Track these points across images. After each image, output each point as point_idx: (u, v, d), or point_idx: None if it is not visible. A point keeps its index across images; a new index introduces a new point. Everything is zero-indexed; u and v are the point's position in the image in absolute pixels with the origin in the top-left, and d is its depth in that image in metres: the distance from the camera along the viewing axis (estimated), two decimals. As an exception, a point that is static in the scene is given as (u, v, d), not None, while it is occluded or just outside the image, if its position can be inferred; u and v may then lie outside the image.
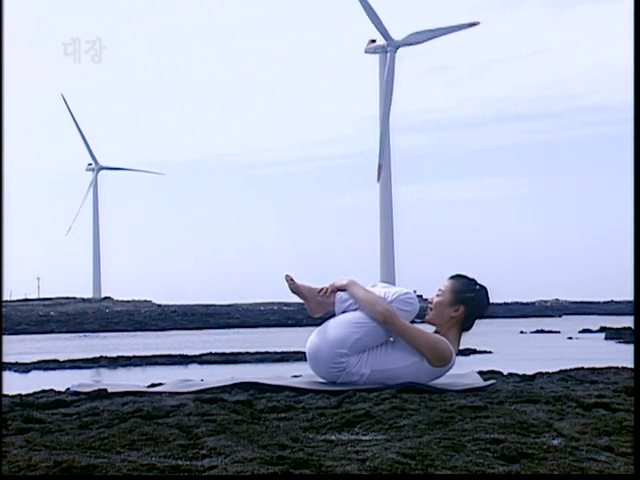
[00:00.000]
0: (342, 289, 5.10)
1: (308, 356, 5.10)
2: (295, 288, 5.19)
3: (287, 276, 5.20)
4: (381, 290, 5.06)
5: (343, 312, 5.06)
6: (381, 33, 51.17)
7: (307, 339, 5.14)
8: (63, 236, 75.68)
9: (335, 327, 5.00)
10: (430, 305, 5.12)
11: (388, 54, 51.28)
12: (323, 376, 5.07)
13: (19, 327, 24.52)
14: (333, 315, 5.12)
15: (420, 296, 5.27)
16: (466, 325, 5.11)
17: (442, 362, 4.95)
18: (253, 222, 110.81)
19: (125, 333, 22.35)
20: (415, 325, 5.00)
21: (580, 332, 17.74)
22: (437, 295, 5.14)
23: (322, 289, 5.14)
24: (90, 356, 10.67)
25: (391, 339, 5.02)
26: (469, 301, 5.08)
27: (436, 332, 5.08)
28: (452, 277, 5.19)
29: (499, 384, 5.19)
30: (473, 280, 5.19)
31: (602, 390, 4.70)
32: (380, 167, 51.22)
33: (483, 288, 5.18)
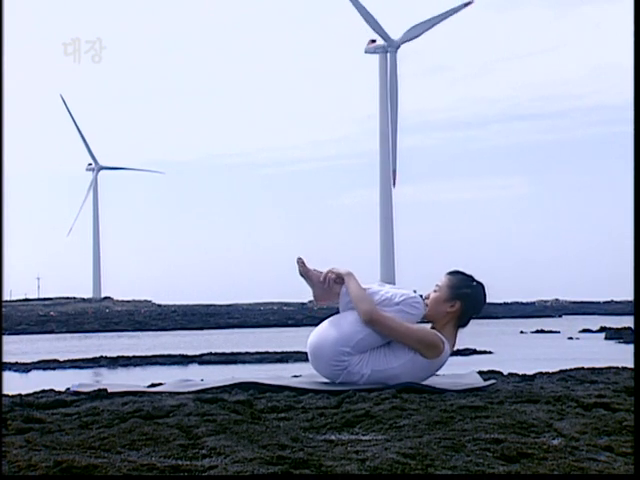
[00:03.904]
0: (340, 278, 5.10)
1: (310, 352, 5.09)
2: (304, 272, 5.18)
3: (299, 259, 5.19)
4: (389, 291, 5.05)
5: (346, 306, 5.05)
6: (379, 34, 51.07)
7: (307, 339, 5.14)
8: (63, 236, 75.88)
9: (339, 325, 5.00)
10: (426, 301, 5.12)
11: (389, 55, 51.19)
12: (323, 373, 5.06)
13: (19, 327, 24.43)
14: (337, 312, 5.12)
15: (420, 296, 5.26)
16: (462, 321, 5.11)
17: (435, 350, 4.94)
18: (253, 222, 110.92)
19: (125, 333, 22.32)
20: (400, 322, 4.96)
21: (580, 332, 17.70)
22: (434, 291, 5.15)
23: (323, 278, 5.12)
24: (90, 356, 10.66)
25: (392, 339, 5.02)
26: (466, 297, 5.08)
27: (432, 328, 5.09)
28: (449, 273, 5.20)
29: (499, 384, 5.19)
30: (470, 276, 5.19)
31: (602, 390, 4.70)
32: (394, 173, 51.15)
33: (480, 285, 5.18)
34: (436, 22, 50.63)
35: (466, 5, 50.74)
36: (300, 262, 5.18)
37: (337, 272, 5.12)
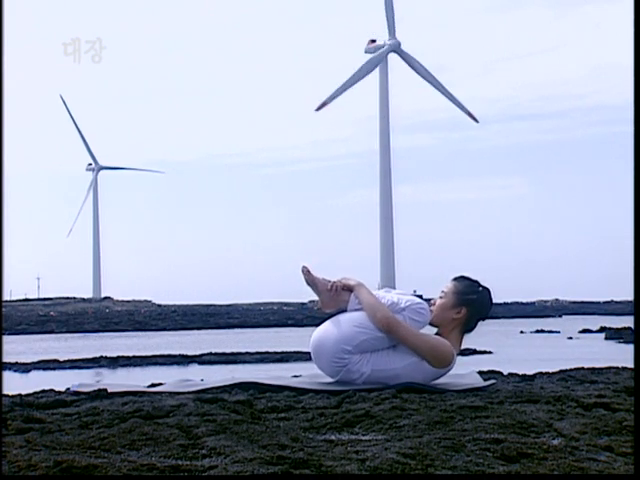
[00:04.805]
0: (350, 288, 5.08)
1: (312, 346, 5.07)
2: (311, 281, 5.15)
3: (304, 268, 5.16)
4: (394, 296, 5.04)
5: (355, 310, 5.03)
6: (388, 27, 50.87)
7: (307, 339, 5.13)
8: (63, 236, 76.01)
9: (345, 323, 4.99)
10: (432, 307, 5.11)
11: (383, 47, 51.09)
12: (323, 369, 5.06)
13: (19, 327, 24.45)
14: (344, 310, 5.09)
15: (420, 296, 5.25)
16: (468, 327, 5.11)
17: (443, 364, 4.96)
18: (253, 222, 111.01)
19: (125, 333, 22.32)
20: (415, 331, 4.96)
21: (580, 332, 17.69)
22: (440, 297, 5.13)
23: (331, 286, 5.10)
24: (90, 356, 10.66)
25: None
26: (471, 303, 5.07)
27: (437, 333, 5.08)
28: (455, 279, 5.18)
29: (499, 384, 5.19)
30: (476, 282, 5.17)
31: (602, 390, 4.70)
32: (324, 104, 51.06)
33: (486, 290, 5.17)
34: (439, 89, 50.65)
35: (470, 116, 50.92)
36: (305, 271, 5.14)
37: (346, 284, 5.09)
